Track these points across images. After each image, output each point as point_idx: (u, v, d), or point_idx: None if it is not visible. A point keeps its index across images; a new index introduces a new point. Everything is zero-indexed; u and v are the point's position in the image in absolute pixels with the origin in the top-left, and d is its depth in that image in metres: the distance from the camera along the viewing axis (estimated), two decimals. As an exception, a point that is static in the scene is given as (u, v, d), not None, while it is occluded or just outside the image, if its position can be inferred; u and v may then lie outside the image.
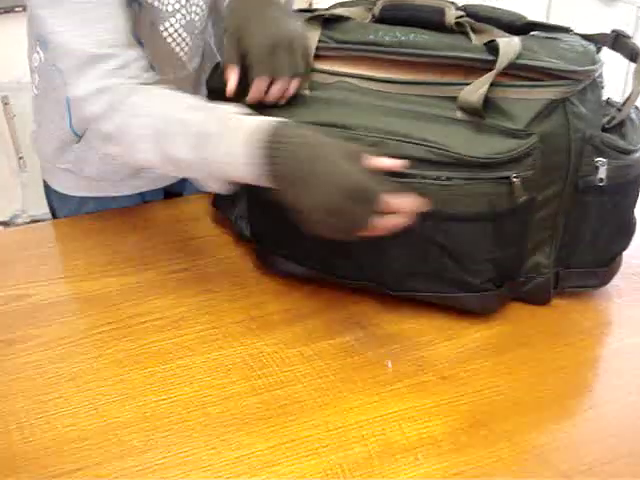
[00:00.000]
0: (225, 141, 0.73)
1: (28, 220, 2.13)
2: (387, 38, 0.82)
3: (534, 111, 0.77)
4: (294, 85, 0.84)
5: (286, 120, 0.74)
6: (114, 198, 1.10)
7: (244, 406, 0.74)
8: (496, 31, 0.82)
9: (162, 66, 0.94)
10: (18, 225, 2.12)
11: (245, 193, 0.91)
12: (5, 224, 2.11)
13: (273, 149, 0.70)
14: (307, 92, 0.86)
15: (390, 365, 0.79)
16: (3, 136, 2.07)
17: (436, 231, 0.78)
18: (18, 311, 0.88)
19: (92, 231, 1.03)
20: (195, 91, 1.03)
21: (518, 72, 0.78)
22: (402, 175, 0.76)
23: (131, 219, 1.05)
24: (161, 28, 0.94)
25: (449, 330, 0.84)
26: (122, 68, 0.80)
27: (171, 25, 0.94)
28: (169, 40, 0.96)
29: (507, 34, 0.82)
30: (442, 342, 0.82)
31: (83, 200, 1.10)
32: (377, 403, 0.74)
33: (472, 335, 0.83)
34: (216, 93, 0.91)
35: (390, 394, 0.75)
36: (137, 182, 1.08)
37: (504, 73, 0.77)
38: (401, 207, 0.70)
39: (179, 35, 0.96)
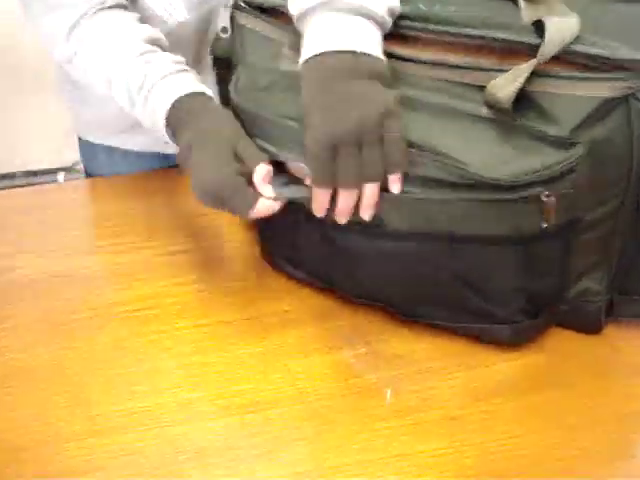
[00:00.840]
0: (149, 105, 0.73)
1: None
2: (407, 9, 0.65)
3: (584, 112, 0.59)
4: (370, 194, 0.62)
5: (200, 91, 0.72)
6: (138, 156, 1.00)
7: (205, 430, 0.63)
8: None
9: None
10: (79, 172, 2.08)
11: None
12: (67, 170, 2.07)
13: (174, 125, 0.71)
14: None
15: (389, 395, 0.66)
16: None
17: (445, 255, 0.64)
18: (-4, 286, 0.80)
19: (95, 198, 0.94)
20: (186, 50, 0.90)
21: (567, 57, 0.60)
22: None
23: (139, 186, 0.95)
24: None
25: (468, 357, 0.70)
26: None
27: None
28: None
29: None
30: (457, 371, 0.69)
31: (103, 150, 1.03)
32: (362, 444, 0.62)
33: (495, 366, 0.69)
34: (222, 62, 0.79)
35: (381, 434, 0.63)
36: (140, 138, 0.98)
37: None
38: (275, 210, 0.66)
39: None
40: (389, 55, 0.65)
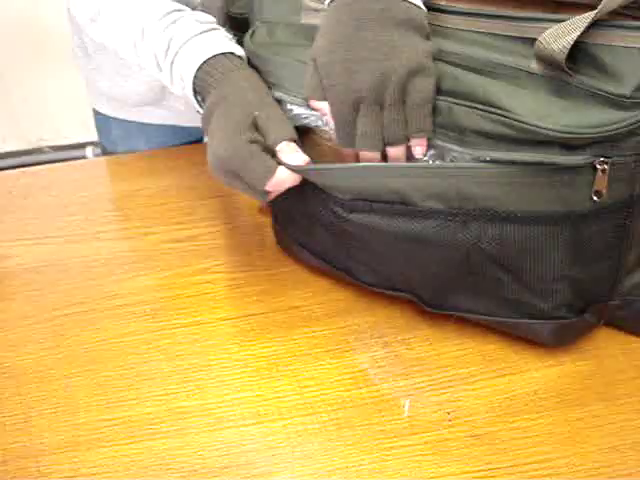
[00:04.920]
0: (175, 72, 0.66)
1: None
2: None
3: None
4: (393, 158, 0.57)
5: (228, 51, 0.63)
6: (156, 130, 0.94)
7: (199, 445, 0.56)
8: None
9: None
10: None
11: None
12: (95, 144, 2.02)
13: (201, 91, 0.63)
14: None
15: (407, 407, 0.58)
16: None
17: (483, 237, 0.55)
18: (-11, 276, 0.74)
19: (100, 179, 0.88)
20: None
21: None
22: (440, 156, 0.54)
23: (146, 167, 0.88)
24: None
25: (499, 363, 0.62)
26: None
27: None
28: None
29: None
30: (487, 379, 0.60)
31: (119, 124, 0.97)
32: (373, 466, 0.54)
33: (531, 373, 0.61)
34: (238, 22, 0.71)
35: (396, 453, 0.55)
36: (160, 111, 0.92)
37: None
38: (295, 182, 0.59)
39: None
40: (428, 6, 0.57)
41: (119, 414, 0.59)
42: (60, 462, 0.56)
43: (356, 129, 0.55)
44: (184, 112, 0.90)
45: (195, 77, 0.63)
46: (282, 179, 0.58)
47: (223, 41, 0.65)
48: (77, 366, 0.63)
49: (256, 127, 0.59)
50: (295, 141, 0.59)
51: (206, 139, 0.62)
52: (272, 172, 0.57)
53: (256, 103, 0.60)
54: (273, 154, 0.58)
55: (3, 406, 0.60)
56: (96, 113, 1.01)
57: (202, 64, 0.63)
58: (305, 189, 0.59)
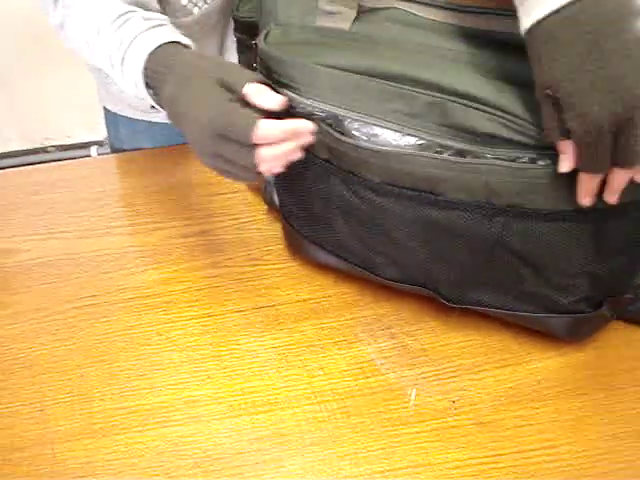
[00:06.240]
0: (126, 66, 0.67)
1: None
2: None
3: None
4: (620, 181, 0.51)
5: (174, 40, 0.64)
6: (163, 128, 0.95)
7: (211, 432, 0.58)
8: None
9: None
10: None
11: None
12: (100, 144, 2.03)
13: (153, 84, 0.64)
14: (347, 25, 0.65)
15: (414, 397, 0.60)
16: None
17: (508, 232, 0.56)
18: (2, 271, 0.75)
19: (110, 176, 0.89)
20: (209, 39, 0.84)
21: None
22: (460, 153, 0.54)
23: (155, 164, 0.90)
24: None
25: (503, 353, 0.63)
26: None
27: None
28: None
29: None
30: (492, 369, 0.62)
31: (126, 122, 0.98)
32: (381, 452, 0.56)
33: (535, 364, 0.62)
34: (245, 26, 0.72)
35: (403, 440, 0.57)
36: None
37: None
38: (283, 134, 0.56)
39: None
40: (432, 4, 0.58)
41: (133, 402, 0.60)
42: (75, 449, 0.57)
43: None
44: None
45: (145, 69, 0.64)
46: (269, 131, 0.55)
47: (169, 34, 0.66)
48: (90, 357, 0.65)
49: (227, 89, 0.58)
50: (265, 84, 0.58)
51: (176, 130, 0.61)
52: (254, 121, 0.55)
53: (214, 68, 0.59)
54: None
55: (19, 395, 0.62)
56: (106, 111, 1.02)
57: (149, 55, 0.64)
58: (324, 174, 0.59)
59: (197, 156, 0.60)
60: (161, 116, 0.95)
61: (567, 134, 0.49)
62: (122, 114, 0.98)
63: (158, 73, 0.63)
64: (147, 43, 0.65)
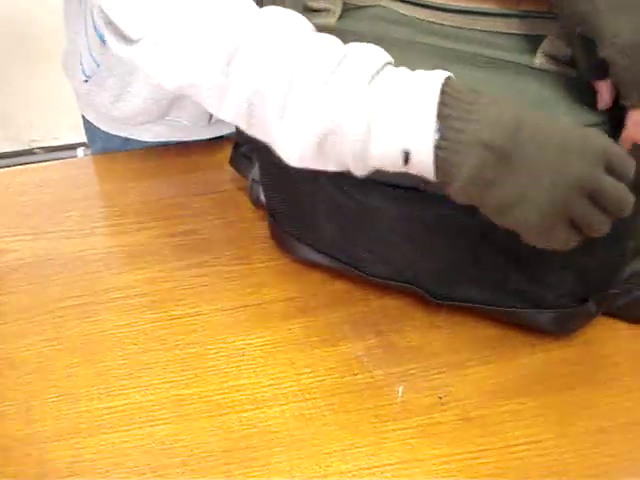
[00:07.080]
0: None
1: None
2: None
3: None
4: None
5: (448, 74, 0.48)
6: (139, 144, 0.94)
7: (198, 430, 0.58)
8: None
9: None
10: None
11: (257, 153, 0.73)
12: (86, 145, 2.02)
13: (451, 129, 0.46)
14: (332, 21, 0.65)
15: (401, 393, 0.60)
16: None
17: (491, 227, 0.56)
18: (-12, 271, 0.75)
19: (96, 176, 0.89)
20: None
21: None
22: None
23: (140, 164, 0.89)
24: None
25: (489, 349, 0.63)
26: None
27: None
28: None
29: None
30: (478, 364, 0.62)
31: (109, 137, 0.96)
32: (369, 448, 0.56)
33: (520, 359, 0.63)
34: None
35: (390, 436, 0.57)
36: (158, 128, 0.92)
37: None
38: None
39: None
40: (419, 3, 0.58)
41: (120, 402, 0.60)
42: (62, 449, 0.57)
43: None
44: (186, 127, 0.90)
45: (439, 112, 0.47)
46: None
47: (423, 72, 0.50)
48: (77, 356, 0.65)
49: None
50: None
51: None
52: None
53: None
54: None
55: (5, 396, 0.62)
56: (85, 120, 1.01)
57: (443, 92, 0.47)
58: (310, 172, 0.59)
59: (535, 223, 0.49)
60: (148, 133, 0.93)
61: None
62: (101, 127, 0.97)
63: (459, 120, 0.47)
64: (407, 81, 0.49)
